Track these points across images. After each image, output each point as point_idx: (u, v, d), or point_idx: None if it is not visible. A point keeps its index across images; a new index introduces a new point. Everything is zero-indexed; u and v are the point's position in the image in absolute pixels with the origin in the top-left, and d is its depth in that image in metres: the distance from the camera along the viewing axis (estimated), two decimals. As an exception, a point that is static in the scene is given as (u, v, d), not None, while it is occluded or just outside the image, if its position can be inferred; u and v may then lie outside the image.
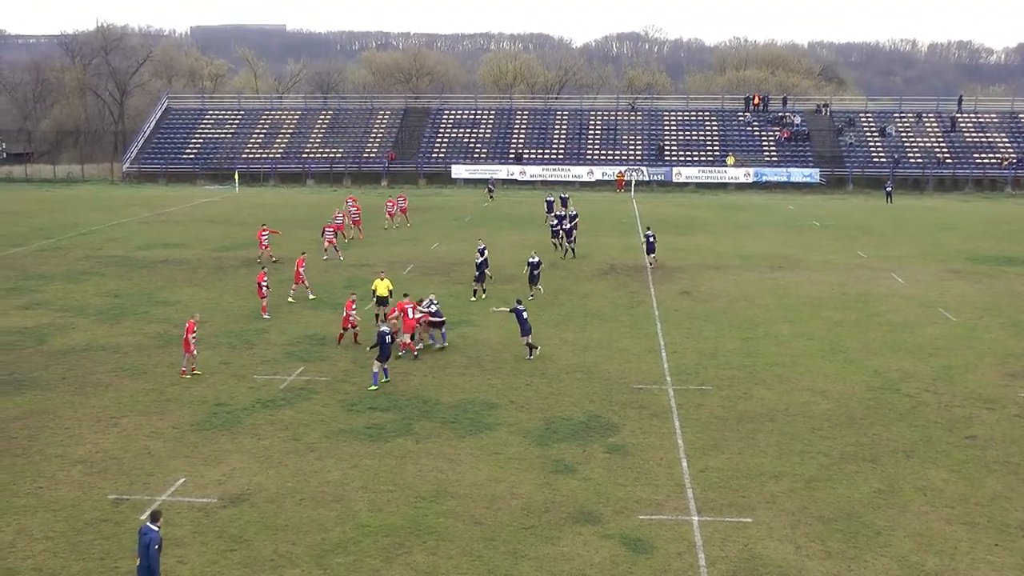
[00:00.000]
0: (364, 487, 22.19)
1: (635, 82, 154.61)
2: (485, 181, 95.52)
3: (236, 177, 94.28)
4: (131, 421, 26.53)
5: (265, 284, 38.57)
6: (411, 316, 33.05)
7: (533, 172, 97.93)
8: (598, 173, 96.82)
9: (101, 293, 43.15)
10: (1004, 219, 73.01)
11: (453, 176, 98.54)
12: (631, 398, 28.73)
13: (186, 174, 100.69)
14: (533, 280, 42.48)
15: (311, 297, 41.93)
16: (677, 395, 29.05)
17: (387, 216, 65.35)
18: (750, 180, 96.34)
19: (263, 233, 51.22)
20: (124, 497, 21.54)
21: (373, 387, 29.28)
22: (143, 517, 19.42)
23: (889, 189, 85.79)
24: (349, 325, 34.39)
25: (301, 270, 41.68)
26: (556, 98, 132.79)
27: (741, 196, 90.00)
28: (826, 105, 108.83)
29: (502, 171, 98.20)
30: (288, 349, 33.95)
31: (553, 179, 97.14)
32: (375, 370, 29.52)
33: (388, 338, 29.46)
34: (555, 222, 55.64)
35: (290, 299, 41.64)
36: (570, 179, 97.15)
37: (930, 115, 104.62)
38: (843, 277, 47.88)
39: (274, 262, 50.18)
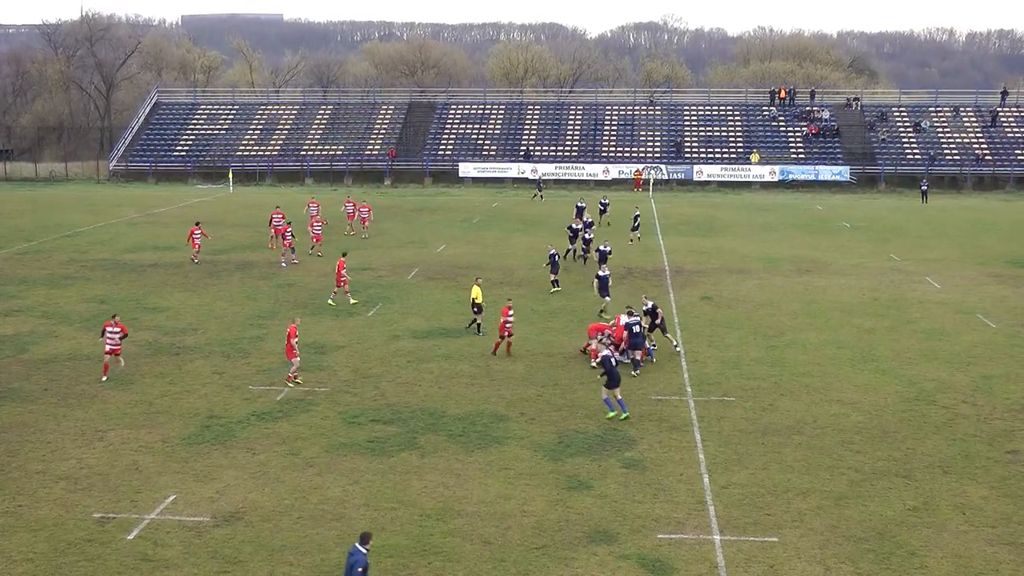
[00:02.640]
0: (366, 504, 22.21)
1: (653, 75, 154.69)
2: (497, 180, 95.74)
3: (230, 176, 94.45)
4: (118, 435, 26.59)
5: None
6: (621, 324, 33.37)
7: (545, 170, 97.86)
8: (614, 171, 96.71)
9: (86, 299, 43.27)
10: (1047, 219, 72.78)
11: (460, 175, 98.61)
12: (649, 410, 28.71)
13: (177, 172, 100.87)
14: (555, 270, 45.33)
15: (352, 302, 42.07)
16: (698, 406, 29.01)
17: (347, 220, 62.97)
18: (775, 179, 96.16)
19: (195, 231, 52.02)
20: (110, 515, 21.58)
21: (611, 414, 27.73)
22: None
23: (925, 188, 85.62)
24: (506, 333, 34.17)
25: (343, 272, 42.02)
26: (570, 92, 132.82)
27: (766, 196, 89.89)
28: (857, 99, 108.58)
29: (512, 169, 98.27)
30: (285, 358, 33.94)
31: (567, 178, 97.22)
32: (605, 396, 27.95)
33: (614, 362, 28.10)
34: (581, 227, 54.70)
35: (330, 301, 42.14)
36: (584, 177, 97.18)
37: (968, 109, 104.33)
38: (875, 281, 47.79)
39: (195, 263, 51.43)
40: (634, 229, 60.18)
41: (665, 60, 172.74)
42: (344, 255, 43.45)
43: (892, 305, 42.60)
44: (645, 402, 29.41)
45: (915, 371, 32.85)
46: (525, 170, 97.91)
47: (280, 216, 56.04)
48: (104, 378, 31.09)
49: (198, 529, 20.97)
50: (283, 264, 50.96)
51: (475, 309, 37.45)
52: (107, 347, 31.45)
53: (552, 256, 45.58)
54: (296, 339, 30.72)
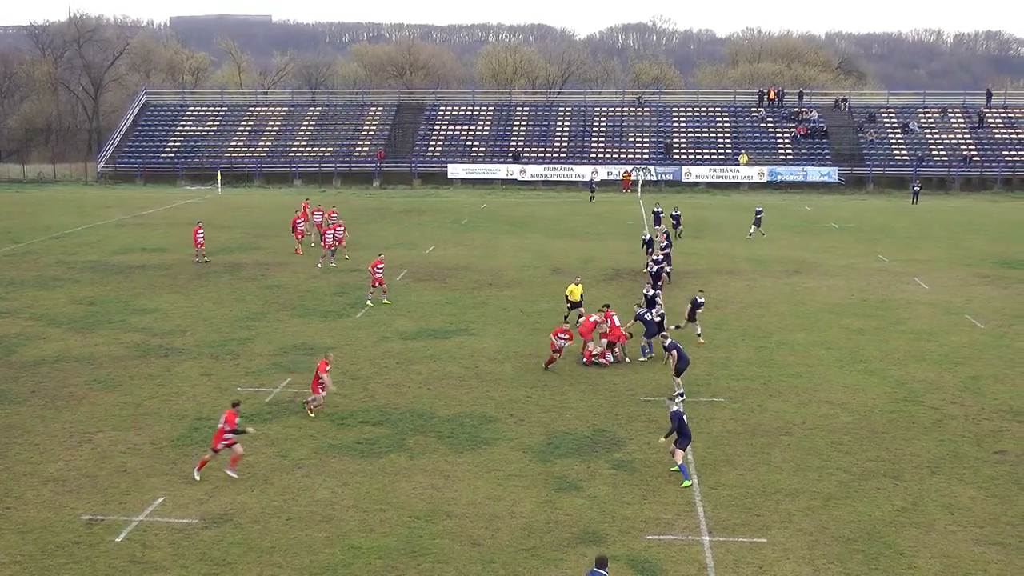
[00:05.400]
0: (355, 506, 22.20)
1: (642, 76, 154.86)
2: (486, 182, 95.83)
3: (219, 177, 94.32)
4: (106, 437, 26.52)
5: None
6: (617, 324, 33.78)
7: (534, 172, 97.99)
8: (603, 172, 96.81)
9: (74, 301, 43.15)
10: (1035, 220, 73.05)
11: (449, 176, 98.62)
12: (638, 411, 28.74)
13: (165, 174, 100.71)
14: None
15: (385, 302, 42.09)
16: (687, 407, 29.01)
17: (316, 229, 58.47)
18: (764, 180, 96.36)
19: (199, 231, 52.61)
20: (98, 517, 21.53)
21: (687, 483, 23.36)
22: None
23: (917, 189, 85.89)
24: (557, 352, 32.66)
25: (378, 272, 42.01)
26: (558, 93, 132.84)
27: (755, 197, 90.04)
28: (845, 100, 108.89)
29: (501, 170, 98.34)
30: (274, 360, 33.96)
31: (555, 179, 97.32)
32: (680, 461, 23.84)
33: (685, 418, 24.21)
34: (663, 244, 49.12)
35: (368, 302, 42.07)
36: (573, 179, 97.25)
37: (956, 110, 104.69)
38: (863, 282, 47.91)
39: (205, 262, 51.78)
40: (756, 224, 63.15)
41: (654, 61, 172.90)
42: (380, 255, 43.35)
43: (880, 306, 42.70)
44: (634, 403, 29.44)
45: (903, 372, 32.94)
46: (514, 171, 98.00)
47: (321, 213, 58.46)
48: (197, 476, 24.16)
49: (187, 531, 20.93)
50: (319, 265, 51.08)
51: (570, 307, 38.06)
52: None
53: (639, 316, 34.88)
54: (326, 375, 28.21)
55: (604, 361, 33.36)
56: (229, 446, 23.51)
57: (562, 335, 32.56)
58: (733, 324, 39.28)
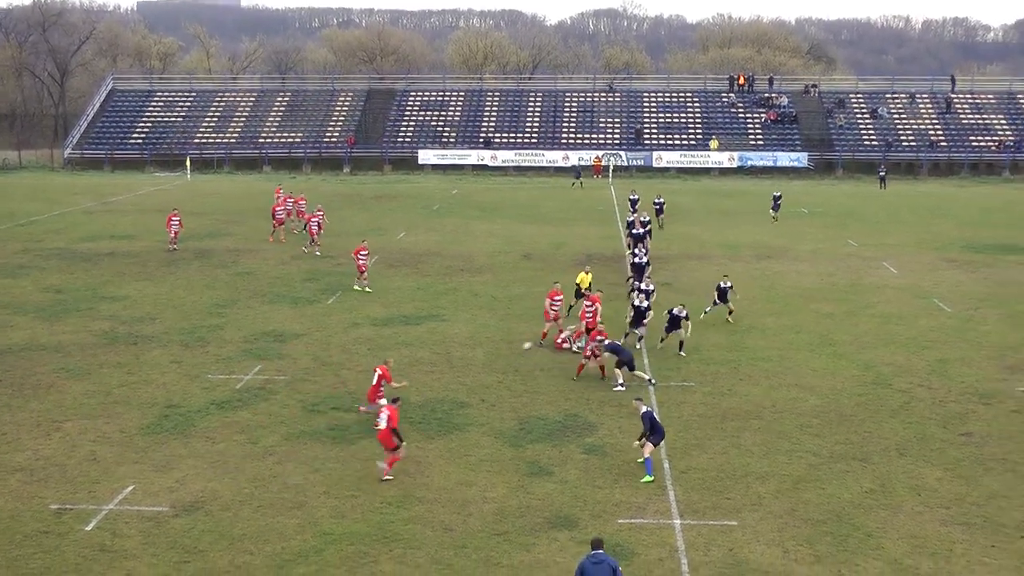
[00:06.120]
0: (326, 492, 22.17)
1: (613, 61, 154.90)
2: (456, 167, 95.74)
3: (188, 163, 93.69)
4: (75, 425, 26.35)
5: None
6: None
7: (505, 157, 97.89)
8: (574, 158, 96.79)
9: (41, 288, 42.80)
10: (1001, 205, 73.70)
11: (420, 162, 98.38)
12: (609, 396, 28.82)
13: (133, 160, 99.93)
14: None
15: (367, 290, 41.86)
16: (658, 392, 29.16)
17: (299, 217, 58.20)
18: (734, 165, 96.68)
19: (174, 217, 52.18)
20: (67, 507, 21.40)
21: (650, 479, 23.09)
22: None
23: (883, 174, 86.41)
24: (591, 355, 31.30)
25: (362, 259, 42.00)
26: (529, 79, 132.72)
27: (725, 182, 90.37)
28: (815, 85, 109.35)
29: (472, 156, 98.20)
30: (244, 347, 33.82)
31: (526, 164, 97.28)
32: (648, 455, 23.30)
33: (655, 415, 24.24)
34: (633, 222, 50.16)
35: (359, 288, 42.14)
36: (544, 164, 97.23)
37: (924, 96, 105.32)
38: (833, 267, 48.21)
39: (174, 249, 51.30)
40: (775, 208, 63.64)
41: (624, 47, 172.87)
42: (363, 242, 43.30)
43: (850, 290, 42.99)
44: (605, 388, 29.50)
45: (872, 355, 33.19)
46: (485, 157, 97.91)
47: (301, 201, 58.98)
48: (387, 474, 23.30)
49: (157, 519, 20.84)
50: (304, 250, 50.98)
51: (577, 295, 37.43)
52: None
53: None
54: (389, 383, 26.57)
55: (570, 347, 33.31)
56: (394, 448, 23.14)
57: (556, 297, 33.45)
58: (703, 309, 39.40)
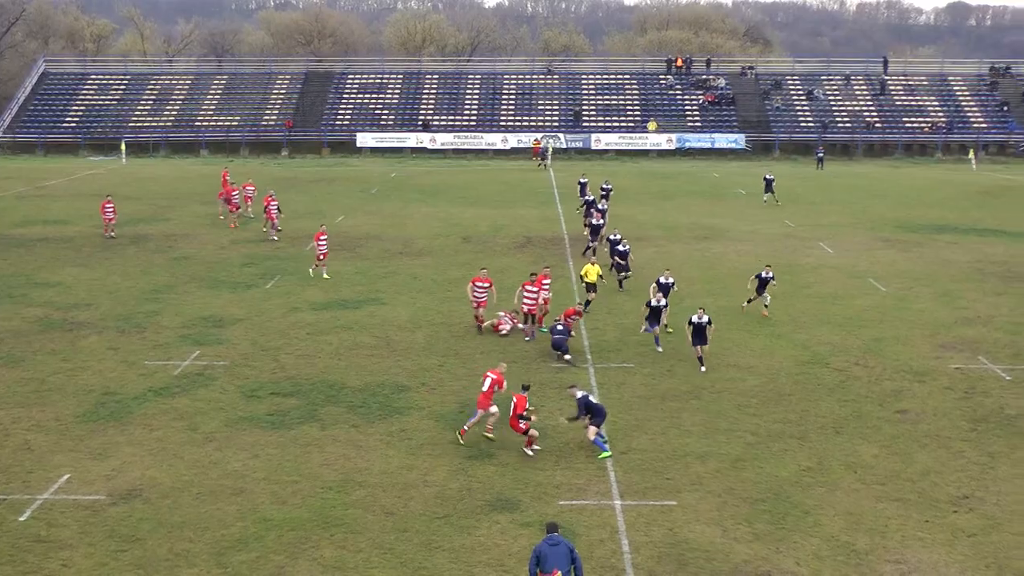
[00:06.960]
0: (266, 478, 21.99)
1: (551, 44, 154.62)
2: (395, 151, 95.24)
3: (123, 147, 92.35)
4: (8, 414, 25.88)
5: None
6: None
7: (444, 140, 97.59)
8: (513, 141, 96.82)
9: (-27, 275, 41.98)
10: (934, 185, 74.86)
11: (358, 145, 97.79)
12: (550, 378, 28.87)
13: (67, 144, 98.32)
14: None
15: (324, 277, 41.30)
16: (598, 373, 29.27)
17: (246, 201, 57.73)
18: (672, 147, 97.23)
19: (107, 204, 50.97)
20: (0, 497, 21.03)
21: (607, 454, 23.31)
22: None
23: (821, 155, 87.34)
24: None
25: (322, 244, 41.48)
26: (468, 61, 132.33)
27: (663, 164, 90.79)
28: (751, 67, 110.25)
29: (411, 139, 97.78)
30: (182, 332, 33.41)
31: (465, 147, 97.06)
32: (592, 437, 23.44)
33: (591, 398, 24.09)
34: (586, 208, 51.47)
35: (310, 271, 42.00)
36: (483, 147, 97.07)
37: (859, 78, 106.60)
38: (770, 247, 48.64)
39: (111, 237, 50.22)
40: (769, 191, 64.10)
41: (563, 29, 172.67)
42: (322, 226, 42.88)
43: (787, 270, 43.36)
44: (546, 370, 29.57)
45: (809, 335, 33.56)
46: (424, 140, 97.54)
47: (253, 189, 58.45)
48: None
49: (94, 508, 20.55)
50: (273, 236, 50.22)
51: (587, 288, 36.48)
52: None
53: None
54: (501, 389, 24.53)
55: (503, 331, 33.27)
56: (525, 431, 23.04)
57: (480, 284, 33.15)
58: (643, 291, 39.48)
